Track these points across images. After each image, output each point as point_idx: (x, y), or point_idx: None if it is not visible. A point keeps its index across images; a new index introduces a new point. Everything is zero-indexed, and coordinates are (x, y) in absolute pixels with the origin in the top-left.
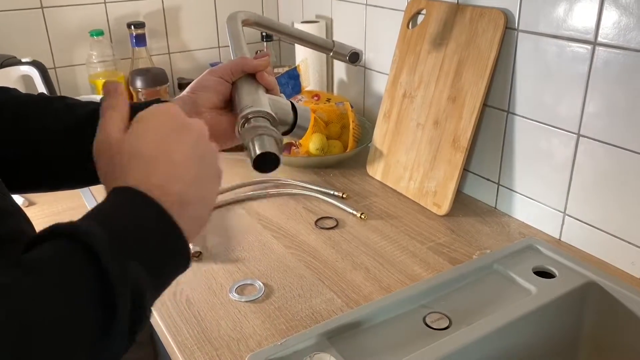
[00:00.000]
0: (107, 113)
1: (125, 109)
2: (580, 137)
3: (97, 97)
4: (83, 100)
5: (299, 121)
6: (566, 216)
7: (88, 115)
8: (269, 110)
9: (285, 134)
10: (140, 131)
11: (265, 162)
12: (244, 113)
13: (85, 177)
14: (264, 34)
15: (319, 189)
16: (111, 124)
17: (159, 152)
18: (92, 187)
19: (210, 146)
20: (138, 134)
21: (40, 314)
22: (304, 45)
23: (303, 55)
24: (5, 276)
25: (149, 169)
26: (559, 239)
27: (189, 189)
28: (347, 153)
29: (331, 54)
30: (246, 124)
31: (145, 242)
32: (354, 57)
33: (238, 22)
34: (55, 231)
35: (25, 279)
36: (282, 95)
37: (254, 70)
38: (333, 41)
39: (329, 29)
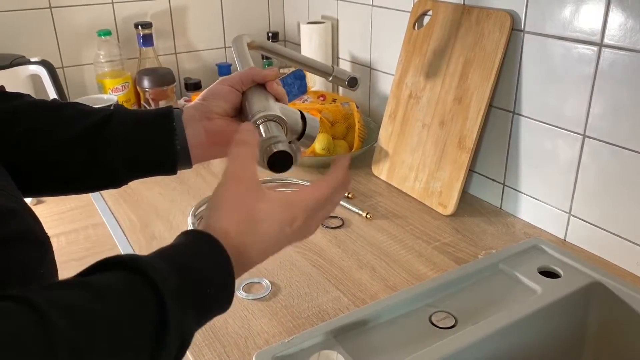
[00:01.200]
0: (239, 149)
1: (255, 147)
2: (586, 138)
3: (104, 97)
4: (93, 103)
5: (307, 130)
6: (571, 217)
7: (99, 123)
8: (279, 114)
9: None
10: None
11: (279, 162)
12: (256, 117)
13: (93, 183)
14: (269, 34)
15: None
16: (241, 163)
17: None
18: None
19: (296, 233)
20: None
21: (98, 339)
22: (305, 70)
23: (309, 55)
24: (77, 297)
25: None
26: (564, 240)
27: (258, 252)
28: (353, 153)
29: (330, 78)
30: (258, 128)
31: (205, 293)
32: (352, 82)
33: (244, 43)
34: (130, 263)
35: (94, 303)
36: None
37: (263, 80)
38: (333, 66)
39: (334, 29)
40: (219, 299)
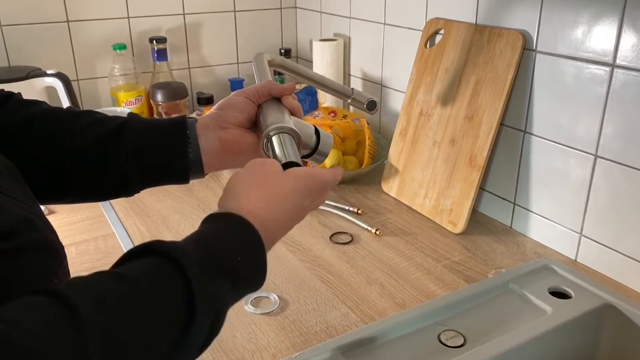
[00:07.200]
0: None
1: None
2: (598, 158)
3: (118, 109)
4: (108, 114)
5: (320, 146)
6: (582, 237)
7: (113, 130)
8: (293, 127)
9: (305, 157)
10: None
11: None
12: (269, 129)
13: (106, 190)
14: (282, 50)
15: (334, 204)
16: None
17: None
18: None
19: (308, 201)
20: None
21: (130, 317)
22: (324, 90)
23: (320, 72)
24: (102, 283)
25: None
26: (575, 260)
27: (276, 223)
28: (363, 169)
29: (349, 100)
30: (271, 140)
31: (235, 263)
32: (371, 105)
33: (264, 60)
34: (152, 248)
35: (120, 286)
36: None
37: (280, 94)
38: (352, 89)
39: (346, 47)
40: (251, 268)
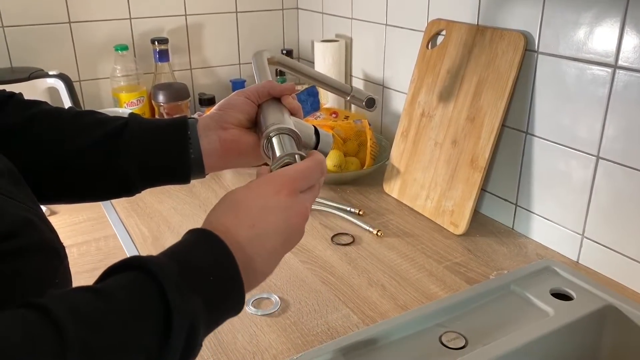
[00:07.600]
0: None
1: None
2: (600, 160)
3: (119, 110)
4: (110, 114)
5: (320, 146)
6: (584, 238)
7: (114, 130)
8: (293, 128)
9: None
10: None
11: None
12: (269, 130)
13: (107, 190)
14: (284, 51)
15: (335, 205)
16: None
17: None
18: (113, 200)
19: (297, 225)
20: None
21: (104, 333)
22: (323, 88)
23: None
24: (81, 298)
25: (234, 215)
26: (577, 261)
27: (260, 247)
28: (364, 170)
29: (348, 98)
30: (271, 140)
31: (208, 280)
32: (370, 103)
33: (264, 58)
34: (129, 263)
35: (98, 302)
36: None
37: (280, 94)
38: (351, 86)
39: (348, 48)
40: (226, 288)
